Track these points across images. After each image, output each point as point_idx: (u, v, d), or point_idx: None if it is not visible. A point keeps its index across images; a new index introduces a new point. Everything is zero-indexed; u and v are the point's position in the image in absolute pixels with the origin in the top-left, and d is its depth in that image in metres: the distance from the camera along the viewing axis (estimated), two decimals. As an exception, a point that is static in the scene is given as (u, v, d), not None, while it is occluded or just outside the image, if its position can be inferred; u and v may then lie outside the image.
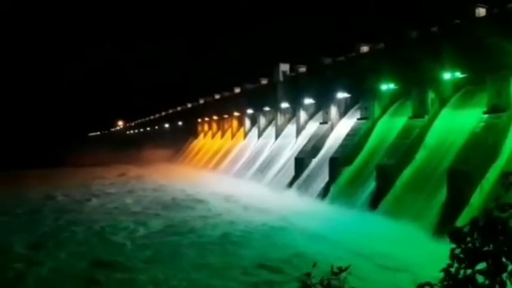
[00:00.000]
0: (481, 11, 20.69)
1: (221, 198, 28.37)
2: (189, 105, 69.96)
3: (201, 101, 64.26)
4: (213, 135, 56.70)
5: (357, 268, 12.32)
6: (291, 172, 31.32)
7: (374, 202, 21.44)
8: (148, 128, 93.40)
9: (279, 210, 23.47)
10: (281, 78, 39.92)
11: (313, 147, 30.86)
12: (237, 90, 52.08)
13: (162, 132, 77.29)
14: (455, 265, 2.54)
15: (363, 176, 24.32)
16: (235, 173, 40.70)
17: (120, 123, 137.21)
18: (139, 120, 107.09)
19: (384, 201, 21.01)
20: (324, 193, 26.03)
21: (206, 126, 60.40)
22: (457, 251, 2.51)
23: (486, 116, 18.79)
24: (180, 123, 70.42)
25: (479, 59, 19.53)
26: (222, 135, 53.36)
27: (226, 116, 52.39)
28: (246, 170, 39.34)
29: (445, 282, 2.56)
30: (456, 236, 2.53)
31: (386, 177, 21.79)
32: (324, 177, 27.16)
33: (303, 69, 38.29)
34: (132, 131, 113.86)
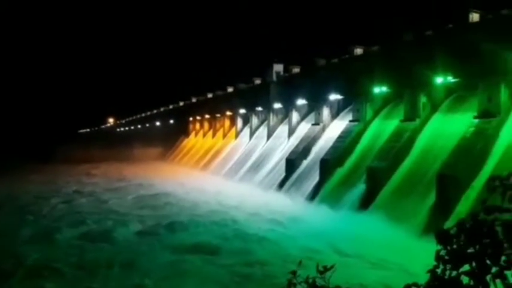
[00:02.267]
0: (475, 16, 20.87)
1: (210, 200, 27.97)
2: (181, 104, 69.80)
3: (194, 100, 64.17)
4: (205, 134, 56.60)
5: (343, 267, 12.42)
6: (282, 173, 31.36)
7: (364, 204, 21.54)
8: (139, 126, 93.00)
9: (268, 211, 23.48)
10: (274, 78, 39.97)
11: (305, 148, 30.92)
12: (230, 89, 52.08)
13: (153, 130, 77.00)
14: (441, 266, 2.54)
15: (353, 178, 24.43)
16: (225, 173, 40.65)
17: (111, 120, 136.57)
18: (130, 118, 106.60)
19: (373, 203, 21.12)
20: (314, 194, 26.09)
21: (198, 125, 60.27)
22: (443, 252, 2.51)
23: (476, 121, 18.98)
24: (171, 121, 70.20)
25: (471, 64, 19.70)
26: (214, 135, 53.28)
27: (218, 115, 52.32)
28: (237, 170, 39.31)
29: (431, 283, 2.56)
30: (443, 238, 2.54)
31: (376, 179, 21.92)
32: (315, 179, 27.23)
33: (296, 69, 38.37)
34: (122, 128, 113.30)
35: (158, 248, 16.70)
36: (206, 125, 57.03)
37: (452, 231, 2.58)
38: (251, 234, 18.59)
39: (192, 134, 61.60)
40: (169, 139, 65.39)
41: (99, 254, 15.79)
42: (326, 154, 27.33)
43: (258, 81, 45.10)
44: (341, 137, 27.58)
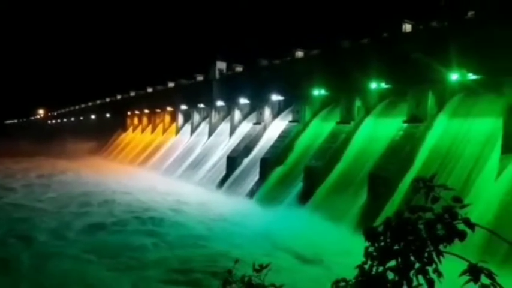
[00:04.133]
0: (408, 27, 22.21)
1: (145, 198, 26.99)
2: (119, 97, 67.09)
3: (132, 93, 61.94)
4: (143, 130, 54.91)
5: (278, 262, 12.69)
6: (223, 171, 31.30)
7: (301, 201, 22.15)
8: (72, 119, 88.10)
9: (207, 209, 23.35)
10: (217, 76, 39.73)
11: (246, 146, 31.12)
12: (171, 84, 50.93)
13: (88, 124, 73.30)
14: (369, 262, 2.64)
15: (291, 176, 25.01)
16: (164, 170, 39.74)
17: (41, 111, 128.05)
18: (63, 110, 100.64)
19: (310, 201, 21.79)
20: (253, 192, 26.35)
21: (136, 120, 58.30)
22: (371, 249, 2.62)
23: (405, 125, 20.26)
24: (108, 115, 67.21)
25: (402, 72, 20.96)
26: (153, 130, 51.84)
27: (158, 110, 50.97)
28: (177, 167, 38.60)
29: (359, 279, 2.66)
30: (371, 235, 2.65)
31: (313, 178, 22.62)
32: (255, 177, 27.51)
33: (239, 68, 38.44)
34: (54, 121, 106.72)
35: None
36: (145, 120, 55.35)
37: (379, 229, 2.70)
38: (185, 231, 18.32)
39: (130, 129, 59.46)
40: (106, 133, 62.61)
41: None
42: (267, 153, 27.71)
43: (200, 78, 44.53)
44: (281, 137, 28.11)
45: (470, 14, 19.21)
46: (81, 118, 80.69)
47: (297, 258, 14.86)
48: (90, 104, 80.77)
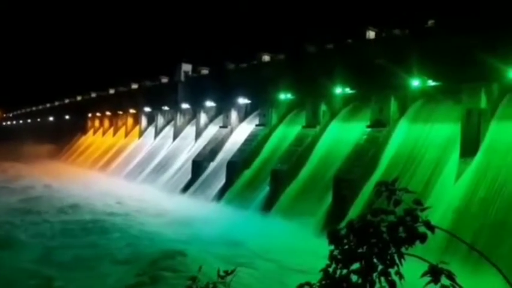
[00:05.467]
0: (371, 34, 22.81)
1: (104, 204, 25.96)
2: (79, 98, 64.96)
3: (93, 95, 60.16)
4: (105, 132, 53.38)
5: (245, 265, 12.61)
6: (188, 175, 30.89)
7: (268, 205, 22.21)
8: (29, 120, 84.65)
9: (170, 216, 22.89)
10: (183, 78, 39.24)
11: (212, 150, 30.87)
12: (135, 86, 49.78)
13: (46, 126, 70.59)
14: (333, 265, 2.63)
15: (258, 180, 25.03)
16: (126, 174, 38.74)
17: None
18: (19, 111, 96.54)
19: (277, 204, 21.90)
20: (219, 196, 26.16)
21: (97, 122, 56.60)
22: (335, 252, 2.61)
23: (369, 129, 20.76)
24: (67, 117, 64.90)
25: (366, 78, 21.48)
26: (115, 133, 50.47)
27: (120, 112, 49.67)
28: (140, 171, 37.73)
29: (323, 282, 2.64)
30: (334, 238, 2.64)
31: (280, 181, 22.75)
32: (221, 181, 27.32)
33: (205, 71, 38.16)
34: (10, 123, 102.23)
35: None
36: (107, 122, 53.80)
37: (342, 232, 2.70)
38: (146, 241, 17.70)
39: (91, 132, 57.65)
40: (65, 136, 60.47)
41: None
42: (233, 157, 27.60)
43: (165, 80, 43.84)
44: (248, 140, 28.10)
45: (430, 22, 19.98)
46: (39, 120, 77.67)
47: (262, 261, 14.80)
48: (48, 105, 77.89)
